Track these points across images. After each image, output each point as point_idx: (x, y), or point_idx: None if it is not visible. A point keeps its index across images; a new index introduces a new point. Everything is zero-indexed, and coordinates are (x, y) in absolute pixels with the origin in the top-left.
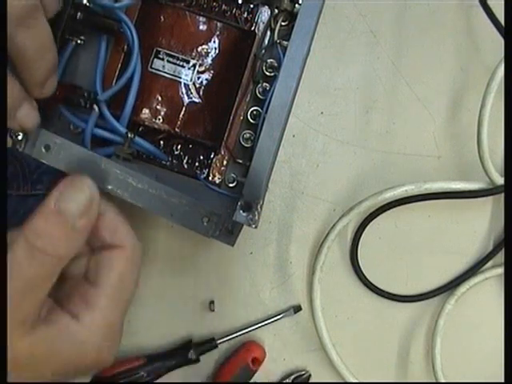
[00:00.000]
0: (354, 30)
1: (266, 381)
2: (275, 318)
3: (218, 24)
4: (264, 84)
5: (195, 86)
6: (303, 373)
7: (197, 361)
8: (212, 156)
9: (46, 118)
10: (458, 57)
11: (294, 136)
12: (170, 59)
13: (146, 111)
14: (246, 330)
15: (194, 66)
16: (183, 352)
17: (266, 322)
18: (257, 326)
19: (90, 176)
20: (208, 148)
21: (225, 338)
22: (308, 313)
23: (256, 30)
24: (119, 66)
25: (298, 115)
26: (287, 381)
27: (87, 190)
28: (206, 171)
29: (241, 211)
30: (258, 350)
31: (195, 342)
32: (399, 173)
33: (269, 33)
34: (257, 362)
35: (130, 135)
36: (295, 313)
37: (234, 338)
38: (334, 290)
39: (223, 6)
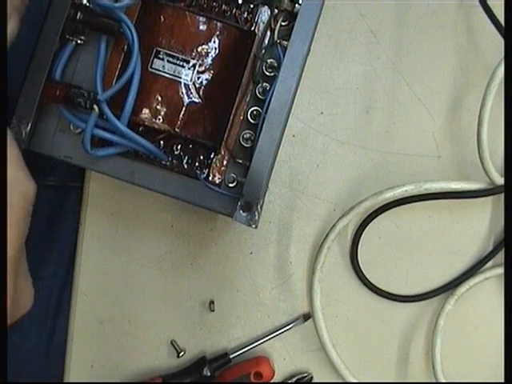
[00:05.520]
0: (353, 30)
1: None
2: (286, 328)
3: (218, 24)
4: (264, 84)
5: (195, 85)
6: (305, 375)
7: (212, 377)
8: (212, 156)
9: (46, 117)
10: (458, 57)
11: (294, 136)
12: (170, 59)
13: (145, 111)
14: (259, 342)
15: (194, 65)
16: (198, 369)
17: (276, 333)
18: (269, 338)
19: None
20: (208, 148)
21: (238, 352)
22: None
23: (256, 30)
24: (119, 66)
25: (298, 115)
26: (291, 381)
27: None
28: (206, 171)
29: (241, 211)
30: (266, 367)
31: (209, 358)
32: (399, 173)
33: (269, 33)
34: (260, 377)
35: None
36: (305, 321)
37: (246, 351)
38: (333, 290)
39: (223, 6)
